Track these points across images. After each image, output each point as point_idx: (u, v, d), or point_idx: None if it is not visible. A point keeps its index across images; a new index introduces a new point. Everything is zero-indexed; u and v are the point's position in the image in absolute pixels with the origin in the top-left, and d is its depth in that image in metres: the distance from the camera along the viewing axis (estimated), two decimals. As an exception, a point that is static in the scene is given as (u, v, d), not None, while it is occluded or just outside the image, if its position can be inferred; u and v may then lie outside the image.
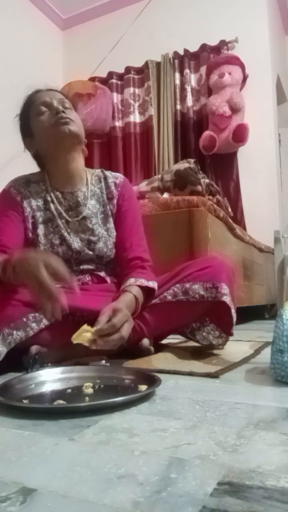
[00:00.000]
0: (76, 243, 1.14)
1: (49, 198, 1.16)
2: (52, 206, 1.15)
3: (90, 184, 1.21)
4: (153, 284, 1.11)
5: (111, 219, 1.20)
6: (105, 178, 1.24)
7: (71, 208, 1.17)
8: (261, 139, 3.28)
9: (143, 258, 1.16)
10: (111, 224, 1.20)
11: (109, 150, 3.69)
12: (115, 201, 1.21)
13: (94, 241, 1.16)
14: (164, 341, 1.33)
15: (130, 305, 1.02)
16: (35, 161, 1.24)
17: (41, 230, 1.14)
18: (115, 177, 1.25)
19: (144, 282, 1.08)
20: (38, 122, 1.13)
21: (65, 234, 1.14)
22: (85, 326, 0.89)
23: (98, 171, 1.27)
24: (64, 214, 1.16)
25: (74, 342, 0.88)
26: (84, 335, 0.88)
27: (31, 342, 0.99)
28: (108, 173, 1.27)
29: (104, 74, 3.77)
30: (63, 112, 1.11)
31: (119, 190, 1.23)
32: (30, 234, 1.14)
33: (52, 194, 1.16)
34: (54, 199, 1.16)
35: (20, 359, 0.97)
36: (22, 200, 1.14)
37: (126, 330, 0.91)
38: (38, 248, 1.12)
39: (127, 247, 1.17)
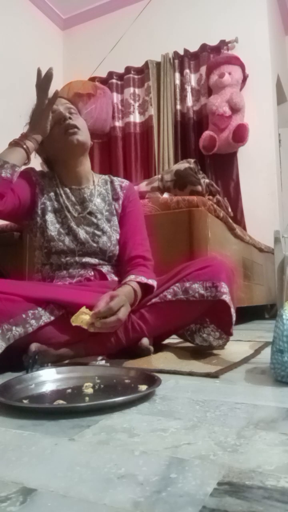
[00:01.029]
0: (82, 234, 1.18)
1: (58, 192, 1.22)
2: (61, 199, 1.21)
3: (97, 185, 1.27)
4: (152, 282, 1.13)
5: (115, 218, 1.25)
6: (112, 181, 1.31)
7: (78, 203, 1.22)
8: (261, 139, 3.28)
9: (145, 257, 1.20)
10: (115, 222, 1.25)
11: (109, 150, 3.69)
12: (120, 202, 1.27)
13: (99, 235, 1.20)
14: (164, 341, 1.33)
15: (128, 296, 1.05)
16: (45, 164, 1.30)
17: (49, 217, 1.19)
18: (121, 181, 1.32)
19: (143, 279, 1.11)
20: None
21: (72, 224, 1.18)
22: (84, 309, 0.92)
23: (105, 176, 1.34)
24: (71, 208, 1.21)
25: (73, 324, 0.91)
26: (82, 317, 0.90)
27: (31, 340, 0.99)
28: (114, 178, 1.33)
29: (104, 74, 3.77)
30: (70, 119, 1.17)
31: (124, 192, 1.29)
32: (38, 219, 1.19)
33: (61, 189, 1.23)
34: (63, 194, 1.22)
35: (20, 359, 0.98)
36: (36, 185, 1.21)
37: (123, 313, 0.96)
38: (46, 233, 1.17)
39: (130, 246, 1.21)
